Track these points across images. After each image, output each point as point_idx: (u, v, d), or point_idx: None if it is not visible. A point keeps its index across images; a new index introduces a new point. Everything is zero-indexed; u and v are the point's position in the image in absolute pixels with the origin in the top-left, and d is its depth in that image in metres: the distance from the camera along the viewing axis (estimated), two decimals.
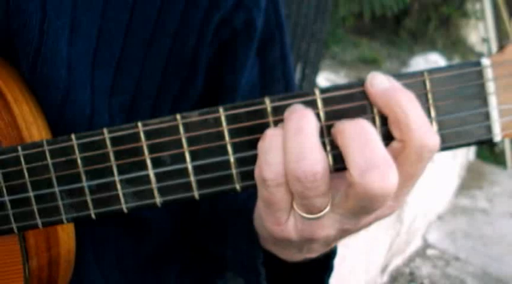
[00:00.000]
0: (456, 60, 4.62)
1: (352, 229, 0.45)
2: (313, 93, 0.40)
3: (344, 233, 0.46)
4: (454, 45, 5.06)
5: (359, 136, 0.39)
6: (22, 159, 0.47)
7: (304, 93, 0.41)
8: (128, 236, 0.66)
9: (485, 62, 0.37)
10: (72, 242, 0.57)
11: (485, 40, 4.97)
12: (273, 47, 0.64)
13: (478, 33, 5.20)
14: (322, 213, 0.42)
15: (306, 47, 2.30)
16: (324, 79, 3.61)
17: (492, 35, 4.79)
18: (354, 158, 0.39)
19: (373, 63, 4.27)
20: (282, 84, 0.65)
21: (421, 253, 3.04)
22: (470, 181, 3.87)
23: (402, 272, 2.89)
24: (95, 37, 0.56)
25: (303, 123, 0.40)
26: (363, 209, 0.41)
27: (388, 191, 0.38)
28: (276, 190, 0.42)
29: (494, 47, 4.71)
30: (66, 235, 0.56)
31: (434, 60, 4.24)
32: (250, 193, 0.50)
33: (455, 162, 3.61)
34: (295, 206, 0.43)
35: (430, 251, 3.05)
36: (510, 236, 3.16)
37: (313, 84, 2.44)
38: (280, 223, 0.44)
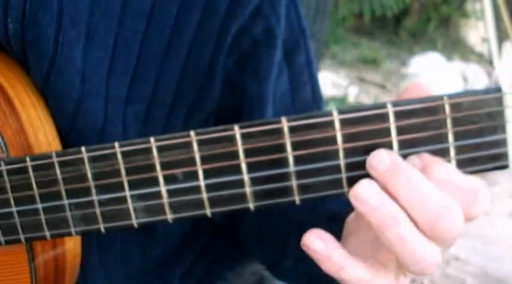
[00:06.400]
0: (456, 60, 4.62)
1: None
2: (331, 114, 0.39)
3: None
4: (454, 45, 5.05)
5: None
6: (30, 170, 0.46)
7: (322, 114, 0.40)
8: (134, 240, 0.66)
9: (506, 88, 0.37)
10: (78, 248, 0.57)
11: (485, 40, 4.97)
12: (298, 52, 0.63)
13: (478, 33, 5.20)
14: None
15: None
16: (324, 79, 3.60)
17: (492, 35, 4.79)
18: None
19: (373, 63, 4.26)
20: (309, 88, 0.65)
21: None
22: None
23: None
24: (111, 46, 0.55)
25: None
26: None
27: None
28: None
29: (494, 47, 4.70)
30: (72, 240, 0.55)
31: (434, 60, 4.24)
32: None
33: None
34: None
35: None
36: (510, 236, 3.15)
37: None
38: None
